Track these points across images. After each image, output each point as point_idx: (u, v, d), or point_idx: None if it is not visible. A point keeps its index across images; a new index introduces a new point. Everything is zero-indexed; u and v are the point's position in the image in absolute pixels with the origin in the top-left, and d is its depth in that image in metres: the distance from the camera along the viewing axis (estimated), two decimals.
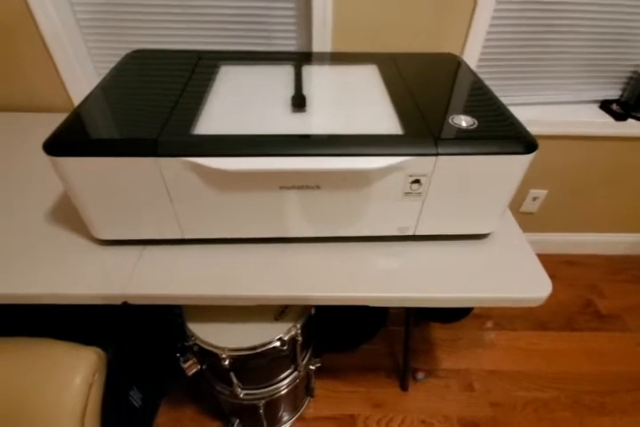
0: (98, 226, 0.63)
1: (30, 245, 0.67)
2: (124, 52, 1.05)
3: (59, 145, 0.54)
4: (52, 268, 0.63)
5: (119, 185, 0.57)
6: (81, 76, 1.05)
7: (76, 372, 0.56)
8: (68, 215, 0.72)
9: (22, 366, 0.56)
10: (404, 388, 1.15)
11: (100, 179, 0.56)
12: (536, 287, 0.65)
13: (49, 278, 0.61)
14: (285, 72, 0.77)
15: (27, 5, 0.93)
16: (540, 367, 1.22)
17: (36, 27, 0.97)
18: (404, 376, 1.15)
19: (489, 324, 1.35)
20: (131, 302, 0.60)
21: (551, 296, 0.64)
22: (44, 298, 0.60)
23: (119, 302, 0.60)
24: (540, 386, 1.18)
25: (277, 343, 0.72)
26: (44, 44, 0.99)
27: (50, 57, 1.02)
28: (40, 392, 0.54)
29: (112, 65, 1.06)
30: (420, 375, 1.18)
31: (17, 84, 1.06)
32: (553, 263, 1.52)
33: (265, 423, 0.95)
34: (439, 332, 1.32)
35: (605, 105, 1.22)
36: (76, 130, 0.57)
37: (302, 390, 1.02)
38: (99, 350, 0.61)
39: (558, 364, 1.24)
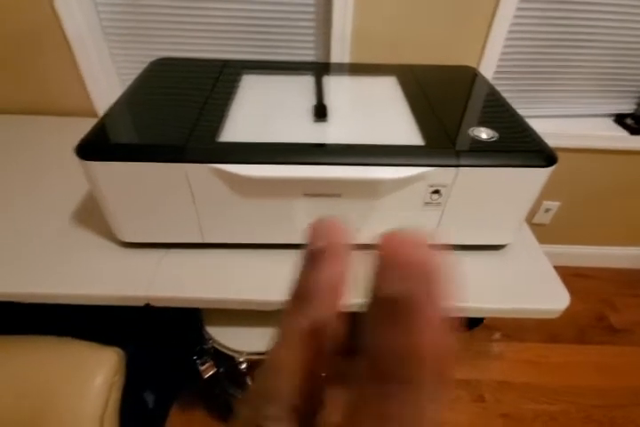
0: (123, 229, 0.64)
1: (55, 246, 0.68)
2: (145, 59, 1.07)
3: (90, 149, 0.56)
4: (77, 269, 0.64)
5: (146, 189, 0.59)
6: (104, 81, 1.08)
7: (98, 372, 0.57)
8: (91, 218, 0.74)
9: (47, 364, 0.57)
10: None
11: (128, 183, 0.58)
12: (553, 299, 0.65)
13: (73, 279, 0.63)
14: (306, 82, 0.78)
15: (54, 11, 0.96)
16: (551, 380, 1.21)
17: (63, 32, 0.99)
18: None
19: (498, 335, 1.34)
20: (153, 304, 0.61)
21: None
22: (68, 298, 0.61)
23: (141, 304, 0.61)
24: (551, 399, 1.17)
25: None
26: (70, 50, 1.02)
27: (74, 62, 1.04)
28: (64, 390, 0.55)
29: (134, 71, 1.09)
30: None
31: (42, 88, 1.09)
32: (564, 276, 1.50)
33: None
34: None
35: (620, 119, 1.22)
36: (107, 135, 0.59)
37: None
38: (119, 350, 0.62)
39: (569, 377, 1.23)
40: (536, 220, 1.44)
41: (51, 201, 0.78)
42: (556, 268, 0.69)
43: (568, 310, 1.35)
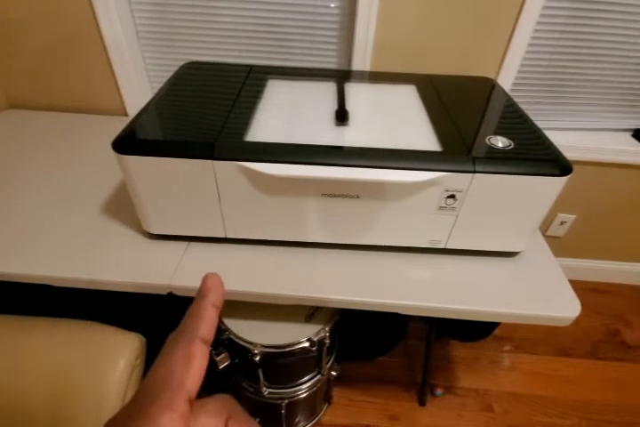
0: (151, 220, 0.68)
1: (86, 235, 0.72)
2: (173, 63, 1.13)
3: (126, 144, 0.60)
4: (105, 256, 0.68)
5: (175, 184, 0.62)
6: (136, 83, 1.13)
7: (121, 354, 0.60)
8: (120, 210, 0.78)
9: (74, 344, 0.61)
10: (421, 402, 1.15)
11: (159, 177, 0.61)
12: (564, 307, 0.66)
13: (101, 266, 0.66)
14: (328, 88, 0.81)
15: (94, 17, 1.02)
16: (562, 394, 1.20)
17: (101, 37, 1.05)
18: (422, 391, 1.14)
19: (509, 346, 1.33)
20: (175, 293, 0.64)
21: (574, 322, 0.65)
22: (95, 284, 0.65)
23: (165, 293, 0.64)
24: (561, 413, 1.16)
25: (307, 344, 0.75)
26: (106, 53, 1.08)
27: (110, 65, 1.10)
28: (89, 370, 0.58)
29: (164, 74, 1.15)
30: (439, 391, 1.17)
31: (79, 88, 1.15)
32: (578, 290, 1.48)
33: (284, 425, 0.96)
34: (459, 350, 1.31)
35: (638, 134, 1.22)
36: (141, 132, 0.62)
37: (321, 396, 1.03)
38: (141, 336, 0.65)
39: (580, 391, 1.21)
40: (550, 232, 1.44)
41: (83, 192, 0.83)
42: (570, 282, 0.70)
43: (581, 324, 1.33)
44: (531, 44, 1.04)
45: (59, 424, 0.58)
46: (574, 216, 1.39)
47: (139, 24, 1.07)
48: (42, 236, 0.72)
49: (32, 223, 0.74)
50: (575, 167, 0.62)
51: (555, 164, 0.61)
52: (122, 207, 0.78)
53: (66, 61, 1.10)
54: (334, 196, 0.63)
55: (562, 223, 1.41)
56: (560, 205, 1.36)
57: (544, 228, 1.43)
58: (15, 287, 0.67)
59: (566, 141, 1.18)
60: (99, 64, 1.10)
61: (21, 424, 0.59)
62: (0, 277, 0.65)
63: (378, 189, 0.62)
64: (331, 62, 1.11)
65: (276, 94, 0.77)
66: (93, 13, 1.01)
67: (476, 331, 1.29)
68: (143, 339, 0.65)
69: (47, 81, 1.13)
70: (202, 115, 0.67)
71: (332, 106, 0.73)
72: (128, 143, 0.60)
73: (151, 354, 0.68)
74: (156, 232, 0.70)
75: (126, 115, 1.17)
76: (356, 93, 0.79)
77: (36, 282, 0.65)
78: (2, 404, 0.59)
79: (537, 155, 0.63)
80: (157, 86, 1.17)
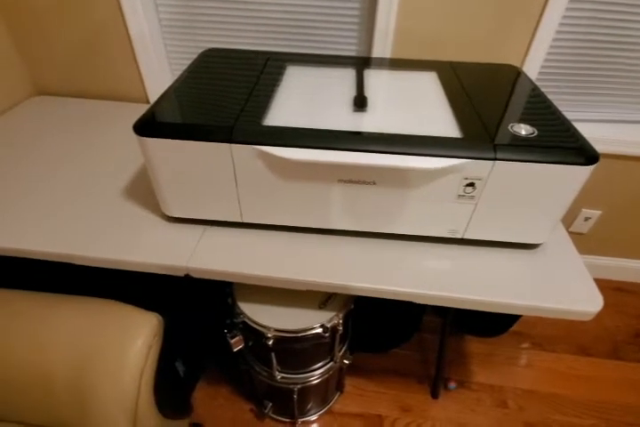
0: (169, 203, 0.69)
1: (107, 217, 0.74)
2: (194, 50, 1.14)
3: (147, 127, 0.61)
4: (125, 238, 0.70)
5: (194, 167, 0.63)
6: (158, 71, 1.14)
7: (139, 332, 0.61)
8: (140, 194, 0.80)
9: (93, 321, 0.63)
10: (434, 395, 1.14)
11: (178, 160, 0.62)
12: (586, 301, 0.64)
13: (121, 247, 0.68)
14: (347, 74, 0.80)
15: (120, 8, 1.04)
16: (580, 393, 1.17)
17: (125, 26, 1.07)
18: (435, 383, 1.14)
19: (528, 343, 1.31)
20: (192, 275, 0.65)
21: (596, 321, 0.63)
22: (115, 263, 0.67)
23: (182, 274, 0.65)
24: (579, 412, 1.13)
25: (320, 330, 0.75)
26: (130, 42, 1.10)
27: (133, 53, 1.12)
28: (108, 346, 0.60)
29: (184, 62, 1.16)
30: (452, 385, 1.16)
31: (103, 76, 1.17)
32: (601, 289, 1.43)
33: (296, 411, 0.97)
34: (474, 345, 1.29)
35: None
36: (161, 115, 0.63)
37: (334, 384, 1.04)
38: (158, 315, 0.66)
39: (600, 392, 1.18)
40: (574, 228, 1.40)
41: (105, 175, 0.85)
42: (594, 280, 0.67)
43: (603, 323, 1.30)
44: (558, 32, 1.01)
45: (78, 398, 0.61)
46: (599, 212, 1.34)
47: (161, 12, 1.08)
48: (64, 216, 0.74)
49: (55, 205, 0.77)
50: (602, 161, 0.60)
51: (580, 152, 0.59)
52: (143, 191, 0.80)
53: (91, 50, 1.12)
54: (351, 182, 0.63)
55: (586, 219, 1.37)
56: (585, 200, 1.31)
57: (567, 223, 1.39)
58: (39, 265, 0.69)
59: (594, 133, 1.14)
60: (123, 53, 1.12)
61: (42, 398, 0.62)
62: (26, 254, 0.68)
63: (395, 176, 0.61)
64: (351, 50, 1.10)
65: (295, 81, 0.77)
66: (119, 4, 1.03)
67: (492, 326, 1.27)
68: (161, 318, 0.67)
69: (73, 69, 1.16)
70: (220, 100, 0.67)
71: (351, 92, 0.73)
72: (148, 126, 0.61)
73: (166, 336, 0.69)
74: (174, 215, 0.71)
75: (148, 102, 1.19)
76: (376, 80, 0.79)
77: (58, 260, 0.67)
78: (22, 377, 0.61)
79: (561, 143, 0.61)
80: (178, 73, 1.18)
